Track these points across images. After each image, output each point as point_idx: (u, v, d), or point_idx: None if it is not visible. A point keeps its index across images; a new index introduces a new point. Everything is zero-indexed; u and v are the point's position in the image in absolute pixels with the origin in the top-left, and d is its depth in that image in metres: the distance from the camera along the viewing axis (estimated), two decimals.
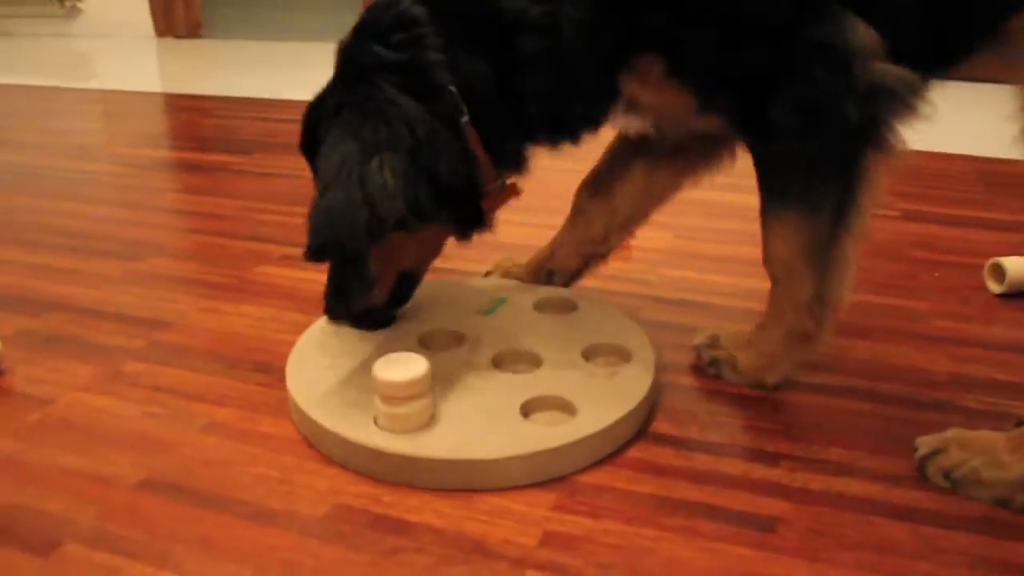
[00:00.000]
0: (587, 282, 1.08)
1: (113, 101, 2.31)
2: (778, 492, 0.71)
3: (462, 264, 1.15)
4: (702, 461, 0.75)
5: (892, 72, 0.75)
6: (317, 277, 1.11)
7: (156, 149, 1.80)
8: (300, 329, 0.95)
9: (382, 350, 0.85)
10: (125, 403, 0.85)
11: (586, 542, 0.65)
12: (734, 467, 0.74)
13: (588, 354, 0.85)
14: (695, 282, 1.10)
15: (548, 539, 0.66)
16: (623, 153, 0.99)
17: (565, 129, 0.86)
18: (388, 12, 0.80)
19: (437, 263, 0.98)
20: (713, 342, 0.90)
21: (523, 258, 1.08)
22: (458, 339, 0.88)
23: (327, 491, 0.71)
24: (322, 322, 0.92)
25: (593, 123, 0.86)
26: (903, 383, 0.88)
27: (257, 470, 0.74)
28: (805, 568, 0.63)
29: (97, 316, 1.03)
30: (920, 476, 0.74)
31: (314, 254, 0.75)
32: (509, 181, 0.88)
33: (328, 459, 0.75)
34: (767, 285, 1.04)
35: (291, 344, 0.91)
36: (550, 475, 0.72)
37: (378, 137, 0.77)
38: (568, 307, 0.95)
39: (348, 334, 0.90)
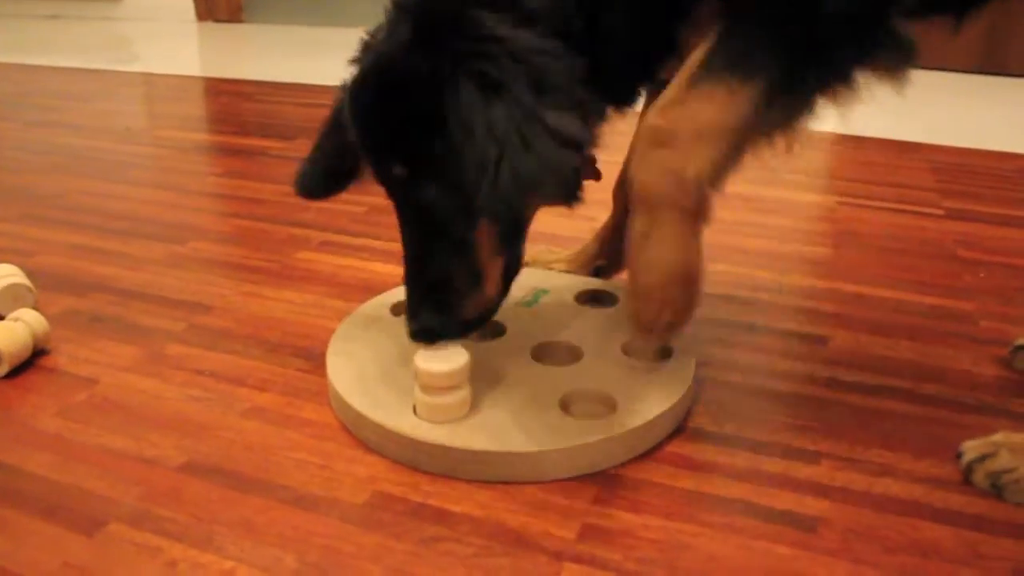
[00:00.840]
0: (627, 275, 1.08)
1: (155, 84, 2.34)
2: (819, 491, 0.71)
3: None
4: (742, 458, 0.75)
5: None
6: (357, 264, 1.12)
7: (198, 132, 1.82)
8: (341, 315, 0.96)
9: None
10: (167, 385, 0.86)
11: (625, 536, 0.65)
12: (774, 465, 0.74)
13: (628, 348, 0.85)
14: (737, 277, 1.10)
15: (587, 532, 0.66)
16: None
17: (631, 85, 0.80)
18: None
19: None
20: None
21: (561, 249, 1.08)
22: (498, 330, 0.89)
23: (367, 478, 0.72)
24: (363, 309, 0.93)
25: (652, 79, 0.80)
26: (947, 385, 0.87)
27: (298, 455, 0.75)
28: (846, 570, 0.63)
29: (140, 298, 1.04)
30: (965, 480, 0.73)
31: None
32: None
33: (368, 446, 0.75)
34: (810, 282, 1.03)
35: (332, 330, 0.91)
36: (589, 469, 0.72)
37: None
38: (609, 301, 0.95)
39: (388, 322, 0.90)
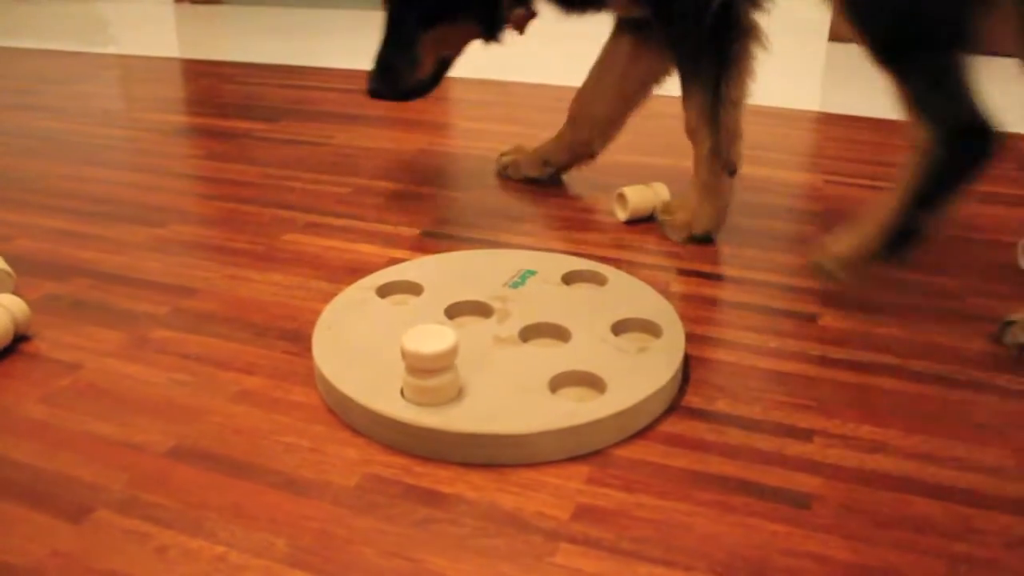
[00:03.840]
0: (616, 254, 1.08)
1: (132, 66, 2.30)
2: (811, 468, 0.71)
3: (491, 235, 1.14)
4: (734, 436, 0.75)
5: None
6: (344, 246, 1.11)
7: (177, 115, 1.80)
8: (327, 297, 0.95)
9: (409, 322, 0.85)
10: (153, 370, 0.85)
11: (620, 516, 0.65)
12: (767, 442, 0.74)
13: (617, 329, 0.85)
14: (725, 255, 1.09)
15: (581, 512, 0.65)
16: (600, 73, 1.25)
17: None
18: None
19: (466, 233, 0.98)
20: (666, 208, 1.15)
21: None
22: (485, 311, 0.88)
23: (358, 461, 0.71)
24: (349, 291, 0.92)
25: None
26: (936, 361, 0.87)
27: (288, 439, 0.74)
28: (840, 545, 0.63)
29: (123, 282, 1.02)
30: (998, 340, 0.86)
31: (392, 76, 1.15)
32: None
33: (357, 429, 0.75)
34: (799, 260, 1.03)
35: (318, 312, 0.90)
36: (579, 451, 0.72)
37: None
38: (597, 280, 0.95)
39: (374, 305, 0.90)
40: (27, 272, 1.04)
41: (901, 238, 0.91)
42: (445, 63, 1.18)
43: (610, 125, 1.29)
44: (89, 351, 0.88)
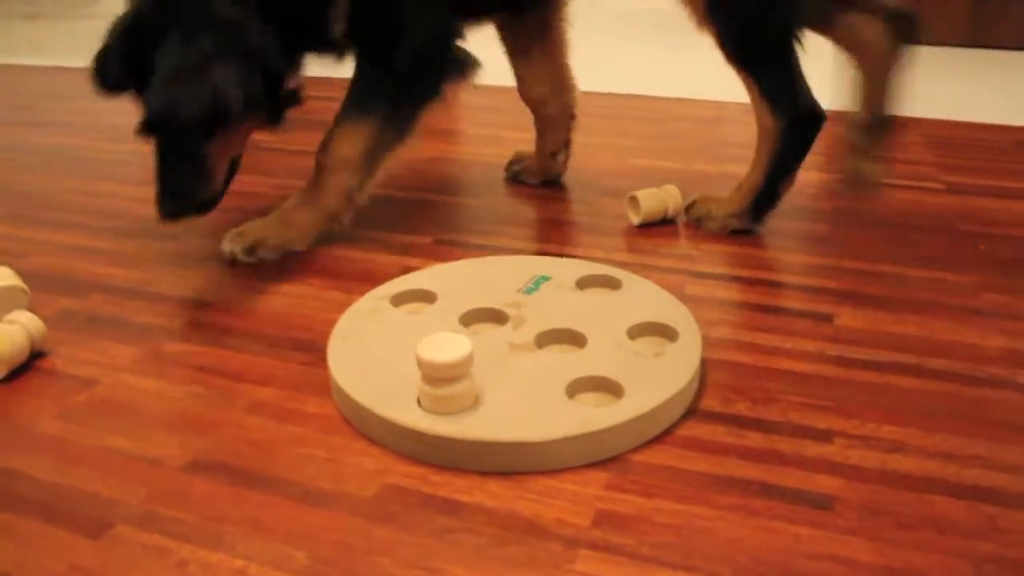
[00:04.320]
0: (630, 258, 1.08)
1: None
2: (832, 470, 0.70)
3: (504, 242, 1.14)
4: (754, 439, 0.74)
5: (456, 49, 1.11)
6: (355, 255, 1.11)
7: None
8: (339, 307, 0.95)
9: (423, 330, 0.85)
10: (168, 384, 0.84)
11: (639, 521, 0.65)
12: (786, 445, 0.73)
13: (633, 333, 0.84)
14: (739, 257, 1.09)
15: (601, 519, 0.65)
16: (516, 67, 1.30)
17: (299, 49, 1.10)
18: None
19: (478, 240, 0.97)
20: (236, 235, 1.12)
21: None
22: (500, 318, 0.88)
23: (375, 471, 0.71)
24: (363, 300, 0.92)
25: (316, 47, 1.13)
26: (954, 359, 0.86)
27: (304, 450, 0.74)
28: (864, 547, 0.62)
29: (136, 296, 1.03)
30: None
31: (150, 127, 0.98)
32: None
33: (373, 439, 0.74)
34: (813, 260, 1.03)
35: (331, 322, 0.90)
36: (599, 456, 0.71)
37: (219, 41, 0.96)
38: (611, 285, 0.94)
39: (389, 314, 0.89)
40: (41, 288, 1.04)
41: (763, 200, 1.14)
42: (234, 163, 1.11)
43: (560, 91, 1.32)
44: (104, 366, 0.88)
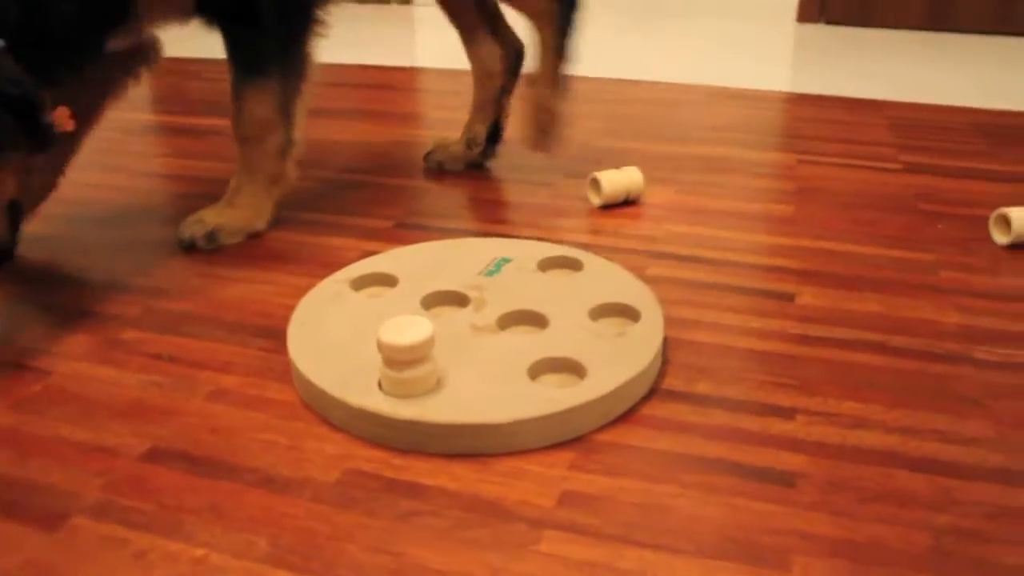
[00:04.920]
0: (592, 239, 1.08)
1: None
2: (795, 447, 0.70)
3: (466, 224, 1.13)
4: (717, 417, 0.74)
5: None
6: (313, 240, 1.10)
7: (142, 113, 1.77)
8: (299, 293, 0.94)
9: (384, 314, 0.84)
10: (125, 372, 0.83)
11: (605, 501, 0.65)
12: (750, 422, 0.73)
13: (595, 314, 0.84)
14: (701, 238, 1.09)
15: (566, 499, 0.65)
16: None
17: (72, 61, 0.99)
18: None
19: (440, 223, 0.96)
20: (193, 222, 1.10)
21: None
22: (461, 301, 0.87)
23: (337, 456, 0.70)
24: (322, 285, 0.91)
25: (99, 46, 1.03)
26: (914, 335, 0.87)
27: (266, 436, 0.73)
28: (826, 521, 0.62)
29: (90, 284, 1.01)
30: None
31: None
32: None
33: (335, 425, 0.74)
34: (774, 240, 1.03)
35: (291, 307, 0.89)
36: (562, 437, 0.71)
37: None
38: (573, 266, 0.94)
39: (349, 298, 0.88)
40: None
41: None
42: (15, 206, 0.99)
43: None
44: (59, 355, 0.86)
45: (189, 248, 1.09)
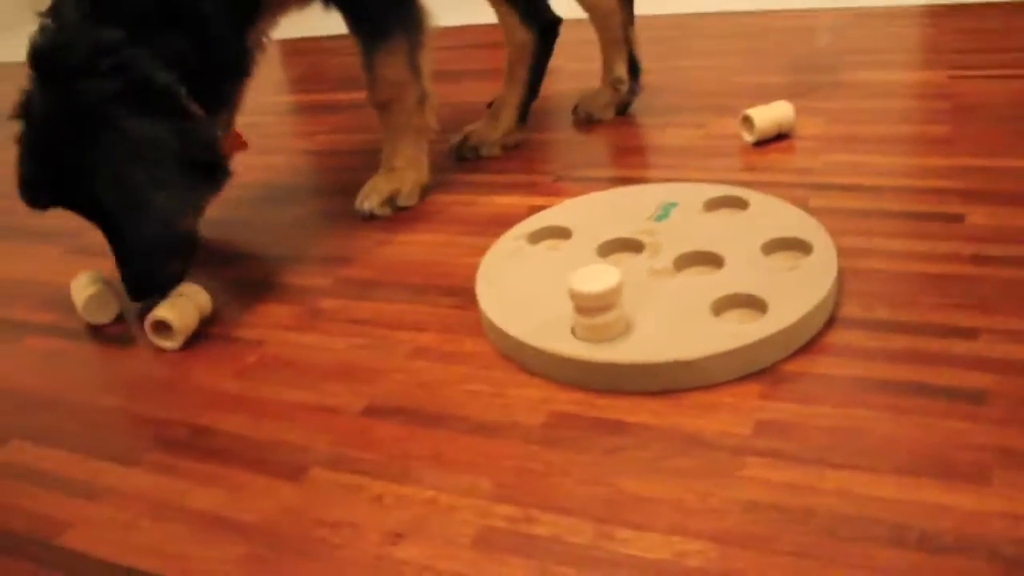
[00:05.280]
0: (751, 176, 1.09)
1: None
2: (981, 365, 0.72)
3: (624, 172, 1.17)
4: (898, 341, 0.76)
5: None
6: (483, 199, 1.15)
7: (290, 95, 1.86)
8: (477, 251, 0.99)
9: (564, 265, 0.88)
10: (330, 338, 0.90)
11: (799, 427, 0.68)
12: (932, 344, 0.75)
13: (767, 249, 0.87)
14: (859, 165, 1.09)
15: (761, 428, 0.68)
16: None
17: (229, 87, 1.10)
18: (80, 43, 0.90)
19: (597, 173, 0.99)
20: (369, 192, 1.17)
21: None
22: (636, 247, 0.91)
23: (540, 400, 0.75)
24: (500, 242, 0.96)
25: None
26: None
27: (470, 387, 0.79)
28: (1020, 435, 0.64)
29: (282, 260, 1.09)
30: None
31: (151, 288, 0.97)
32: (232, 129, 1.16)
33: (532, 371, 0.79)
34: (935, 161, 1.03)
35: (472, 266, 0.94)
36: (749, 370, 0.74)
37: (149, 170, 0.91)
38: (739, 204, 0.96)
39: (528, 252, 0.93)
40: (197, 259, 1.11)
41: (527, 109, 1.32)
42: (192, 235, 1.01)
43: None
44: (268, 327, 0.94)
45: (369, 218, 1.15)
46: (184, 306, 0.94)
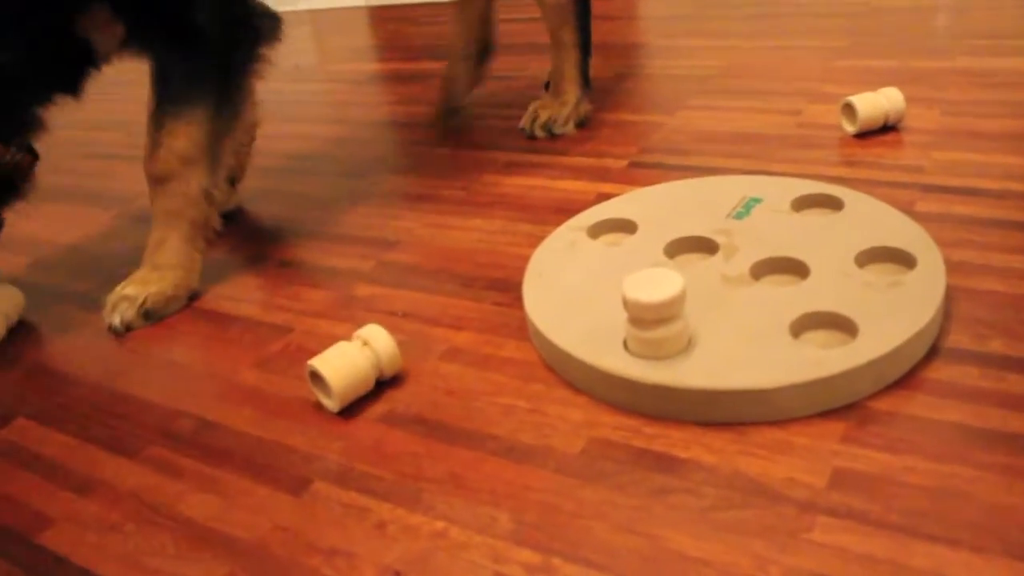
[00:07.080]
0: (849, 172, 0.97)
1: (321, 19, 2.32)
2: None
3: (706, 161, 1.05)
4: (1016, 383, 0.64)
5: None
6: (546, 183, 1.06)
7: (368, 63, 1.79)
8: (533, 241, 0.90)
9: (625, 264, 0.78)
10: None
11: (886, 482, 0.56)
12: None
13: (862, 260, 0.75)
14: (977, 165, 0.96)
15: (840, 478, 0.57)
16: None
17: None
18: None
19: (677, 160, 0.89)
20: (118, 300, 0.92)
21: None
22: (709, 248, 0.80)
23: (582, 423, 0.65)
24: (557, 233, 0.86)
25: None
26: None
27: (504, 400, 0.69)
28: None
29: (324, 238, 1.01)
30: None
31: None
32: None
33: (577, 387, 0.69)
34: None
35: (525, 257, 0.85)
36: (830, 405, 0.63)
37: None
38: (833, 205, 0.84)
39: (586, 246, 0.83)
40: (235, 233, 1.04)
41: (587, 67, 1.21)
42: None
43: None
44: (297, 312, 0.87)
45: (124, 333, 0.91)
46: (359, 362, 0.71)
